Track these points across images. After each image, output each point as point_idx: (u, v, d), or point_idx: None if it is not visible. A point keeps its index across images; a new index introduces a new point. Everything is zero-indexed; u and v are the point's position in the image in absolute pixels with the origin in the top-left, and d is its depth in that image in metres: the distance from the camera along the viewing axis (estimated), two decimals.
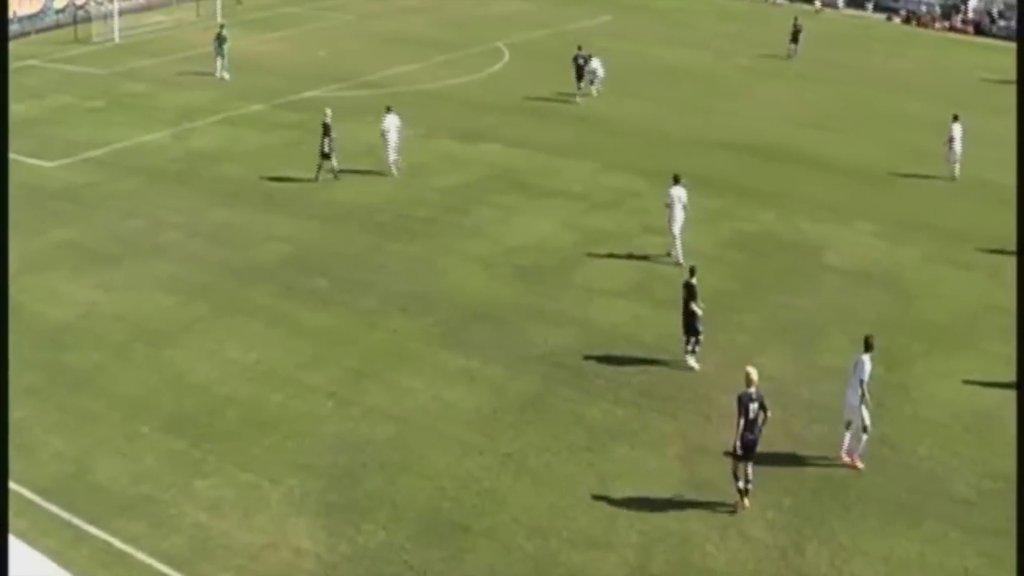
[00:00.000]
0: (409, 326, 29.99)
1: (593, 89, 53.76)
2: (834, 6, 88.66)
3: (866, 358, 24.08)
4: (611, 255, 34.93)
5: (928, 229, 38.83)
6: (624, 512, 22.37)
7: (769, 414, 22.37)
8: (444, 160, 43.73)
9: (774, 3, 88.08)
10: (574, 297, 31.93)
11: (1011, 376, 27.84)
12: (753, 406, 22.14)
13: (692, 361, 27.87)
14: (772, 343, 29.53)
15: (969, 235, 38.20)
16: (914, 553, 21.62)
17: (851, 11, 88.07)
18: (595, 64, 53.67)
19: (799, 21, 67.75)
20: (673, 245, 34.37)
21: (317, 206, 38.50)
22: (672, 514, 22.40)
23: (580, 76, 53.79)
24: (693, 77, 60.51)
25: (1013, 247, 35.30)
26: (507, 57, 62.08)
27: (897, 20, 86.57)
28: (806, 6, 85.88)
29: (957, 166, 43.92)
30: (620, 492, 22.98)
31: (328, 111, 40.45)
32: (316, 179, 40.40)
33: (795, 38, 67.01)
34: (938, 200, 42.23)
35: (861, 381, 23.95)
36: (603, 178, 42.00)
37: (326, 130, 40.08)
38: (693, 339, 27.88)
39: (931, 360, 29.46)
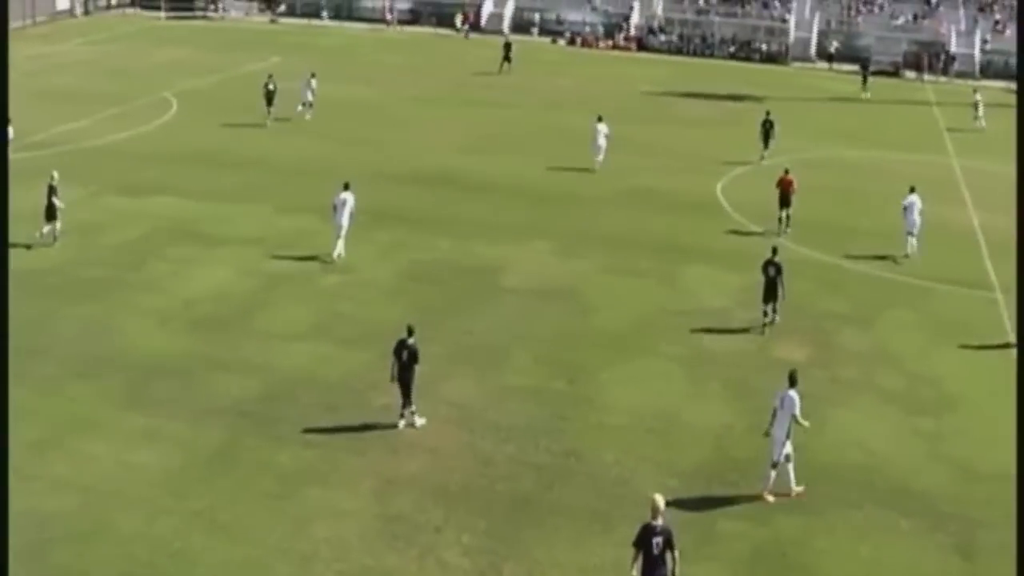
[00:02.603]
0: (89, 390, 28.99)
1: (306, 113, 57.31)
2: (500, 32, 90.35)
3: (793, 393, 24.58)
4: (290, 298, 34.64)
5: (601, 241, 40.07)
6: (320, 554, 22.12)
7: (677, 554, 19.53)
8: (115, 217, 42.53)
9: (437, 33, 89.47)
10: (256, 344, 31.52)
11: (685, 376, 28.94)
12: (657, 540, 19.43)
13: (418, 419, 27.16)
14: (457, 369, 29.79)
15: (639, 243, 39.72)
16: (609, 559, 22.08)
17: (518, 36, 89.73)
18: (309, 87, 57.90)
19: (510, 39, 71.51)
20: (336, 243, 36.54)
21: None
22: (368, 550, 22.29)
23: (270, 101, 56.75)
24: (363, 111, 60.74)
25: (678, 251, 36.91)
26: (175, 107, 60.99)
27: (562, 42, 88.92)
28: (491, 37, 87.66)
29: (599, 159, 48.54)
30: (315, 534, 22.73)
31: (55, 173, 39.17)
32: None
33: (507, 56, 71.43)
34: (608, 212, 43.63)
35: (794, 416, 24.39)
36: (278, 221, 41.65)
37: (51, 191, 38.74)
38: (407, 402, 27.08)
39: (612, 368, 30.30)
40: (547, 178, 47.40)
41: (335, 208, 38.25)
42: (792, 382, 24.87)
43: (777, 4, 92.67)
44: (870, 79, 76.53)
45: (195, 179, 47.22)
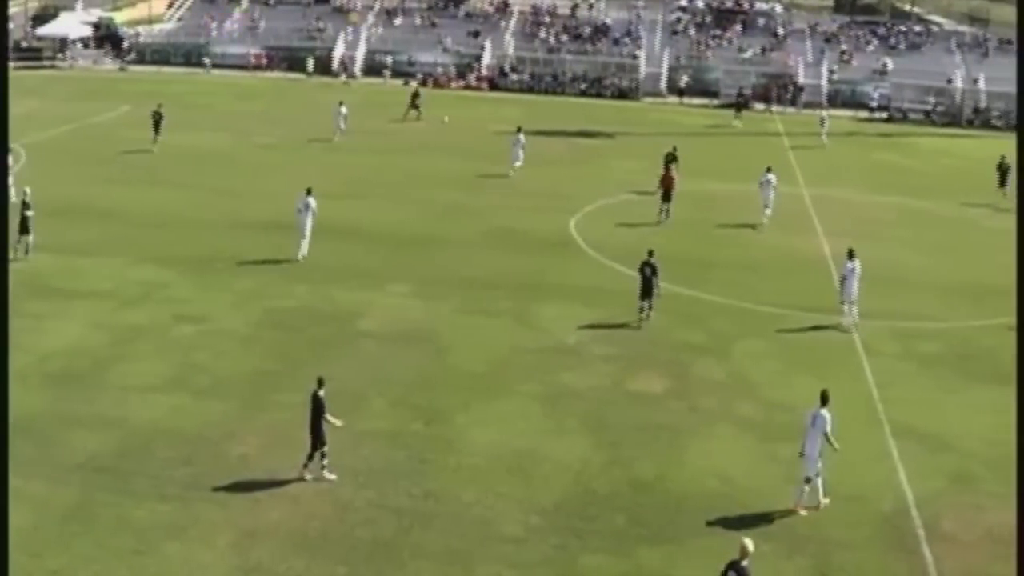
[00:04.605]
0: None
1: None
2: (354, 76, 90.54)
3: (824, 411, 25.72)
4: (145, 350, 34.15)
5: (458, 283, 40.29)
6: None
7: None
8: None
9: (288, 78, 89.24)
10: (111, 398, 31.00)
11: (543, 414, 29.18)
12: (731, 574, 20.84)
13: (327, 473, 26.73)
14: None
15: (496, 284, 40.05)
16: None
17: (370, 79, 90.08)
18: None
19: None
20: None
21: None
22: None
23: (157, 128, 60.22)
24: (217, 160, 60.15)
25: (534, 290, 37.25)
26: (24, 158, 59.90)
27: (414, 84, 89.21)
28: (331, 80, 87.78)
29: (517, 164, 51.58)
30: None
31: (27, 189, 41.06)
32: None
33: (414, 104, 72.99)
34: (466, 253, 43.91)
35: (825, 434, 25.53)
36: (131, 272, 41.00)
37: (25, 207, 40.85)
38: (313, 454, 26.69)
39: (470, 409, 30.39)
40: (404, 221, 47.47)
41: (299, 211, 42.26)
42: (824, 401, 25.99)
43: (627, 40, 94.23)
44: (742, 112, 79.83)
45: (46, 232, 46.23)
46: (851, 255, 38.56)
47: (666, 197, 49.97)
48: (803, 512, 25.85)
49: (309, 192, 42.80)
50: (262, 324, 36.23)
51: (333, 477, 26.46)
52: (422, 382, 31.44)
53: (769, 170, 51.25)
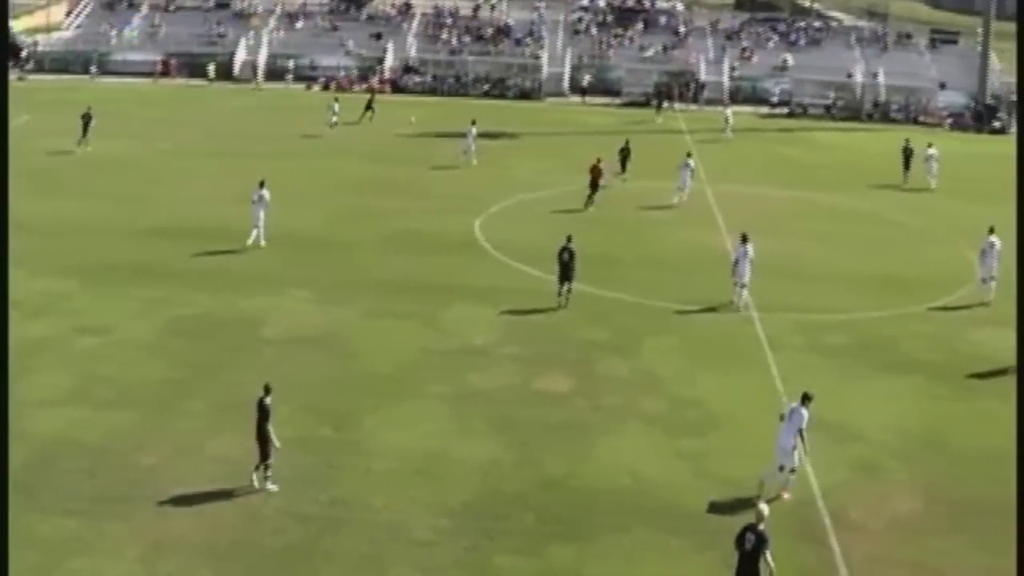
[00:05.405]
0: None
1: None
2: (254, 81, 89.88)
3: (803, 409, 26.34)
4: (48, 362, 33.58)
5: (363, 286, 40.17)
6: None
7: (770, 557, 21.46)
8: None
9: (189, 84, 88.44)
10: (12, 412, 30.18)
11: (451, 415, 29.22)
12: (750, 537, 21.48)
13: (270, 485, 26.31)
14: (223, 424, 29.24)
15: (401, 286, 40.03)
16: None
17: (272, 83, 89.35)
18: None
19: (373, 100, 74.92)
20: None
21: None
22: None
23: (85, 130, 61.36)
24: (118, 167, 59.16)
25: (440, 292, 37.30)
26: None
27: (317, 88, 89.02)
28: (235, 85, 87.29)
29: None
30: None
31: None
32: None
33: (370, 105, 73.78)
34: (370, 257, 43.86)
35: (800, 429, 26.05)
36: (33, 284, 40.20)
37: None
38: (263, 465, 26.33)
39: (377, 413, 30.30)
40: (307, 225, 47.15)
41: (253, 202, 44.12)
42: (805, 399, 26.60)
43: (529, 41, 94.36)
44: (662, 108, 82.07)
45: None
46: (744, 239, 39.76)
47: (593, 186, 52.42)
48: (786, 496, 26.44)
49: (262, 184, 44.52)
50: (166, 333, 35.81)
51: (275, 488, 26.16)
52: (329, 387, 31.30)
53: (689, 155, 55.70)
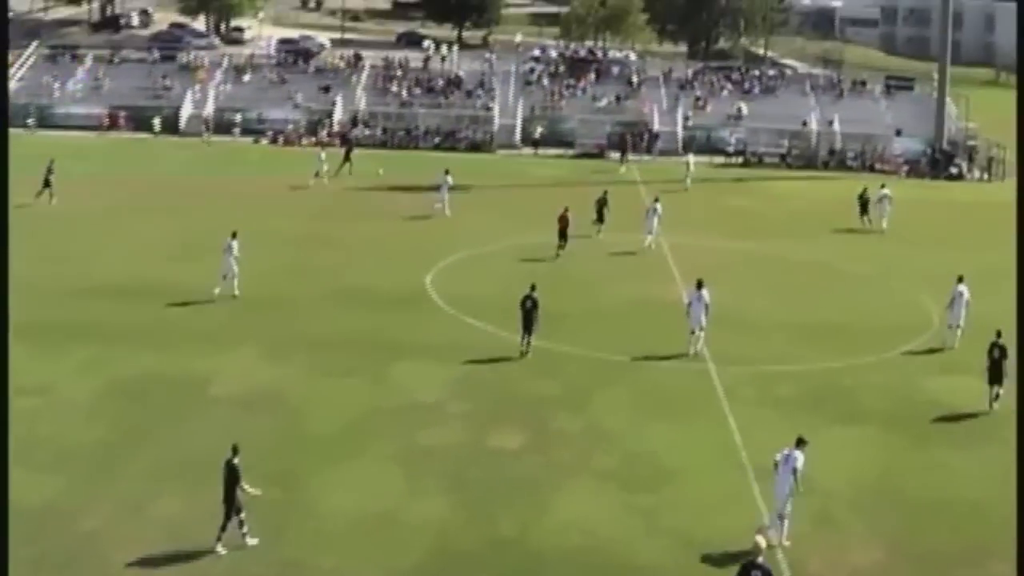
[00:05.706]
0: None
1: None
2: (200, 133, 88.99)
3: (798, 453, 26.58)
4: None
5: (308, 343, 39.50)
6: None
7: None
8: None
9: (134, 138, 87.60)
10: None
11: (401, 474, 28.71)
12: (755, 574, 21.66)
13: (249, 539, 25.80)
14: (166, 486, 28.59)
15: (347, 343, 39.50)
16: None
17: (219, 136, 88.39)
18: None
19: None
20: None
21: None
22: None
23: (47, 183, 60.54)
24: (57, 224, 57.15)
25: (389, 348, 36.81)
26: None
27: (265, 141, 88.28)
28: (181, 139, 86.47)
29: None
30: None
31: None
32: None
33: (347, 157, 73.08)
34: (316, 313, 43.24)
35: (794, 470, 26.34)
36: None
37: None
38: (237, 520, 25.72)
39: (326, 473, 29.74)
40: (253, 282, 46.25)
41: (224, 251, 44.61)
42: (800, 443, 26.92)
43: (481, 92, 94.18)
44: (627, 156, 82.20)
45: None
46: (699, 285, 39.99)
47: (562, 236, 53.11)
48: (787, 543, 26.42)
49: (234, 236, 44.94)
50: (106, 393, 34.97)
51: (255, 542, 25.68)
52: (276, 448, 30.70)
53: (656, 200, 57.10)
